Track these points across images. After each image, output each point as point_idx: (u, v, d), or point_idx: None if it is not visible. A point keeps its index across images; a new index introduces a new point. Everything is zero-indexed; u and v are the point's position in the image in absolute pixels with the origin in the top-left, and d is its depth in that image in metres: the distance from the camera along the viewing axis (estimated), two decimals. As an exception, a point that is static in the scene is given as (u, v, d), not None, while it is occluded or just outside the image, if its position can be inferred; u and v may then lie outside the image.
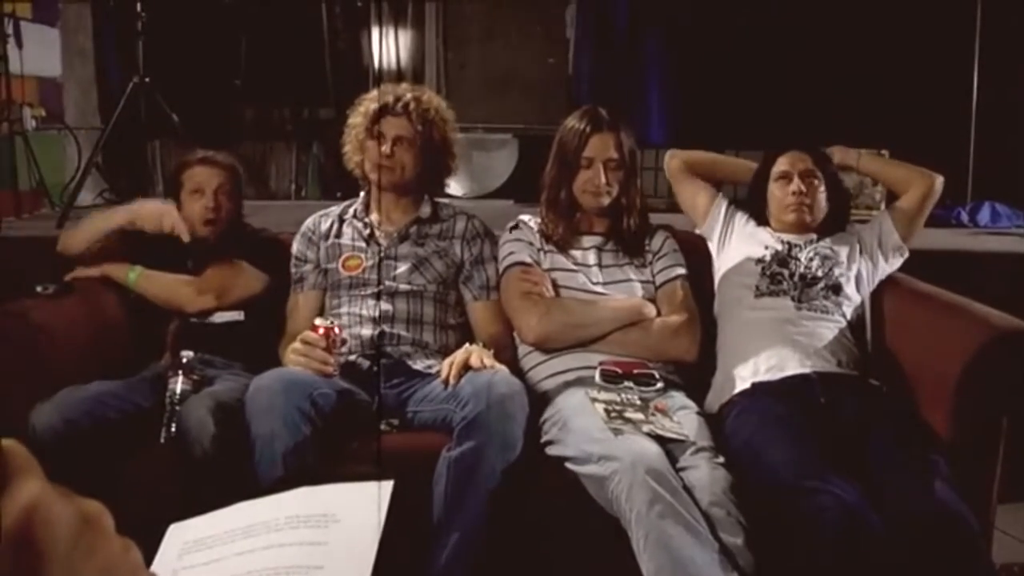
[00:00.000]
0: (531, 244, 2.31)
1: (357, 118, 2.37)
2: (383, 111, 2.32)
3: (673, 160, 2.53)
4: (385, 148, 2.28)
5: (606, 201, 2.28)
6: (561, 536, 1.94)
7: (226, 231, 2.43)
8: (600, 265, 2.30)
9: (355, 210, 2.38)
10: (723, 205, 2.45)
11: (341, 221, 2.38)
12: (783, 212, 2.35)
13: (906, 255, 2.36)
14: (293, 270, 2.37)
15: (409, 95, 2.32)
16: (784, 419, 1.93)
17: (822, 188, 2.36)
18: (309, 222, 2.41)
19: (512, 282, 2.24)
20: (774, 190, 2.37)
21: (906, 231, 2.35)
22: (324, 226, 2.38)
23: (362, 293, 2.26)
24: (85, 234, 2.39)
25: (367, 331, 2.20)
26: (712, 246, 2.46)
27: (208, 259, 2.37)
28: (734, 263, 2.36)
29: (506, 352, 2.20)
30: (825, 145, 2.48)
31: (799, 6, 4.26)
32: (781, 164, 2.37)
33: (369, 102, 2.36)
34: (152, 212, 2.38)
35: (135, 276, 2.34)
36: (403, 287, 2.25)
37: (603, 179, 2.25)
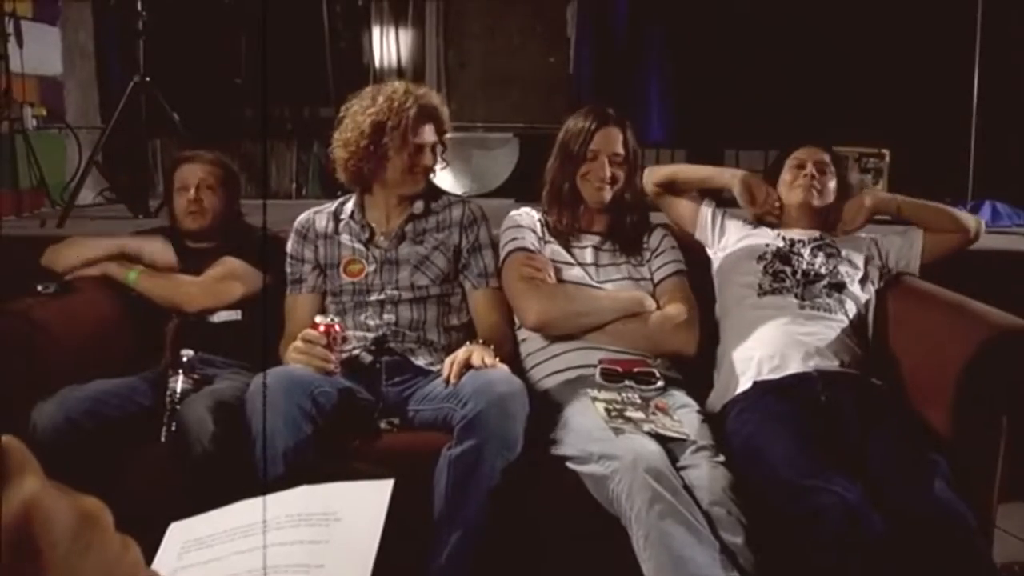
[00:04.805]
0: (533, 231, 2.31)
1: (392, 133, 2.19)
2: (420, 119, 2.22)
3: (646, 186, 2.45)
4: (420, 157, 2.24)
5: (608, 195, 2.28)
6: (561, 535, 1.94)
7: (216, 227, 2.44)
8: (597, 264, 2.29)
9: (351, 211, 2.33)
10: (708, 211, 2.45)
11: (337, 220, 2.33)
12: (791, 193, 2.35)
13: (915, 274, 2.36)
14: (289, 269, 2.32)
15: (413, 100, 2.22)
16: (785, 417, 1.93)
17: (833, 182, 2.36)
18: (303, 219, 2.35)
19: (515, 267, 2.24)
20: (785, 176, 2.38)
21: (930, 261, 2.34)
22: (320, 224, 2.33)
23: (366, 299, 2.23)
24: (70, 259, 2.36)
25: (371, 332, 2.19)
26: (710, 252, 2.45)
27: (206, 259, 2.38)
28: (735, 263, 2.35)
29: (506, 345, 2.20)
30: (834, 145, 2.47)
31: (799, 4, 4.26)
32: (797, 155, 2.39)
33: (392, 112, 2.19)
34: (139, 248, 2.39)
35: (135, 276, 2.34)
36: (406, 295, 2.23)
37: (608, 172, 2.25)
